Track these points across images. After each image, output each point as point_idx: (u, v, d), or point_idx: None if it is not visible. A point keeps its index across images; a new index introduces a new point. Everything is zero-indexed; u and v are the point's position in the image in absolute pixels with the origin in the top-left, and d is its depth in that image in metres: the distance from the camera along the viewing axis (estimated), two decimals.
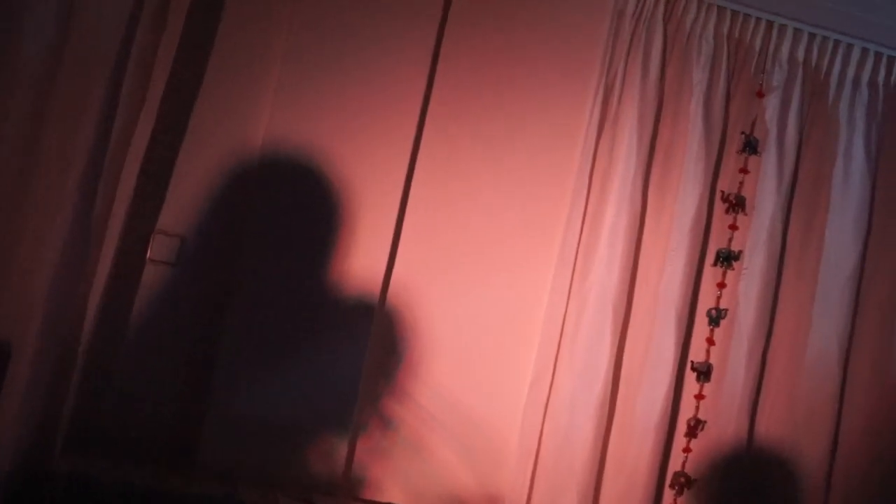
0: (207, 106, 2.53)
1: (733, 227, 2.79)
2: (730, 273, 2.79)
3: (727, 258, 2.79)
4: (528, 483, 2.66)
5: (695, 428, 2.75)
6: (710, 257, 2.80)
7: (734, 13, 2.82)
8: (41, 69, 2.32)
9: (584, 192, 2.73)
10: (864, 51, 2.91)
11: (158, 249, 2.51)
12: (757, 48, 2.85)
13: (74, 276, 2.33)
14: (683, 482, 2.73)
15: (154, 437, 2.47)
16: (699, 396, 2.76)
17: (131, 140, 2.40)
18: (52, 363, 2.32)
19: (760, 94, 2.84)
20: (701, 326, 2.79)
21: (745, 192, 2.80)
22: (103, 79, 2.33)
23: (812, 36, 2.88)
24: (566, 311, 2.71)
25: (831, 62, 2.90)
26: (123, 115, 2.36)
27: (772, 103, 2.85)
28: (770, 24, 2.85)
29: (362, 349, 2.54)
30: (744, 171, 2.82)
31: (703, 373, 2.76)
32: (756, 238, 2.81)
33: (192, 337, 2.51)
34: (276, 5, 2.56)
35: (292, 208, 2.51)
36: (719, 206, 2.81)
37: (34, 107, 2.33)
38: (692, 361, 2.77)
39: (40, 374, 2.30)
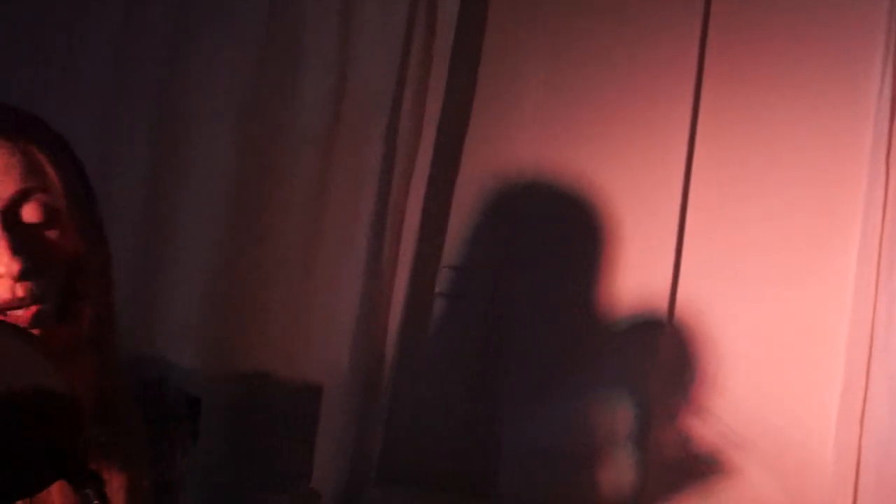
0: (476, 138, 2.61)
1: None
2: None
3: None
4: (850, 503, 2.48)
5: None
6: None
7: None
8: (324, 122, 2.51)
9: (882, 178, 2.51)
10: None
11: (445, 283, 2.62)
12: None
13: (372, 317, 2.49)
14: None
15: (455, 467, 2.56)
16: None
17: (411, 181, 2.52)
18: (360, 400, 2.49)
19: None
20: None
21: None
22: (381, 125, 2.48)
23: None
24: (874, 311, 2.50)
25: None
26: (402, 160, 2.50)
27: None
28: None
29: (652, 367, 2.49)
30: None
31: None
32: None
33: (481, 367, 2.59)
34: (535, 26, 2.59)
35: (566, 232, 2.52)
36: None
37: (319, 160, 2.52)
38: None
39: (350, 411, 2.47)
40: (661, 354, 2.50)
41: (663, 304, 2.50)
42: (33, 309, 1.08)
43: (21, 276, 1.05)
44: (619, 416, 2.49)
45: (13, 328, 0.96)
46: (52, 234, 1.11)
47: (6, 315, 1.07)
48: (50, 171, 1.11)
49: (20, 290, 1.06)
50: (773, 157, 2.56)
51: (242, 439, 2.44)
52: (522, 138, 2.58)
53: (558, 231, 2.53)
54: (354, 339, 2.47)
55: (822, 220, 2.56)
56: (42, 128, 1.16)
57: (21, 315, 1.08)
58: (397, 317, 2.52)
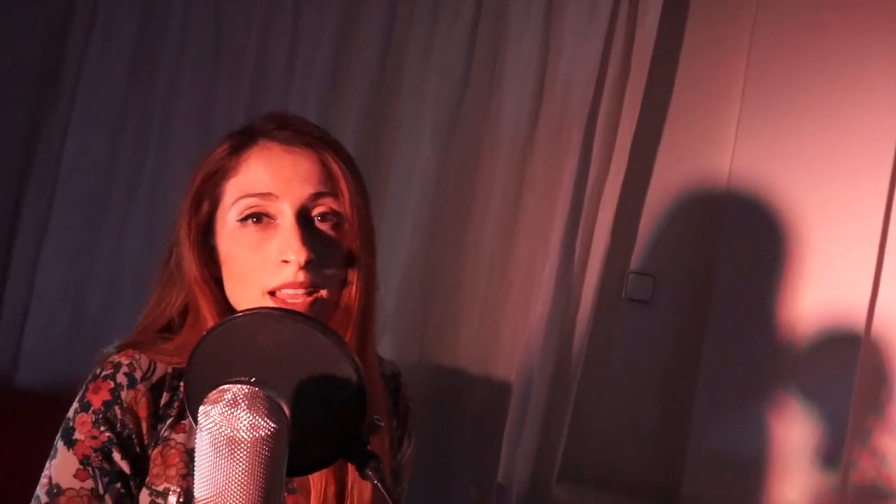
0: (671, 146, 2.62)
1: None
2: None
3: None
4: None
5: None
6: None
7: None
8: (521, 132, 2.57)
9: None
10: None
11: (633, 288, 2.64)
12: None
13: (560, 319, 2.53)
14: None
15: (638, 470, 2.58)
16: None
17: (604, 189, 2.55)
18: (547, 400, 2.53)
19: None
20: None
21: None
22: (577, 133, 2.52)
23: None
24: None
25: None
26: (596, 166, 2.53)
27: None
28: None
29: (848, 382, 2.43)
30: None
31: None
32: None
33: (668, 371, 2.59)
34: (736, 38, 2.58)
35: (762, 241, 2.49)
36: None
37: (517, 169, 2.58)
38: None
39: (538, 409, 2.52)
40: (858, 371, 2.44)
41: (861, 318, 2.43)
42: (312, 297, 1.20)
43: (305, 266, 1.19)
44: (812, 430, 2.44)
45: (311, 319, 1.05)
46: (336, 234, 1.23)
47: (280, 294, 1.19)
48: (342, 180, 1.24)
49: (302, 277, 1.20)
50: None
51: (434, 431, 2.52)
52: (720, 145, 2.57)
53: (752, 241, 2.50)
54: (544, 341, 2.52)
55: None
56: (338, 144, 1.28)
57: (300, 301, 1.19)
58: (585, 320, 2.55)
